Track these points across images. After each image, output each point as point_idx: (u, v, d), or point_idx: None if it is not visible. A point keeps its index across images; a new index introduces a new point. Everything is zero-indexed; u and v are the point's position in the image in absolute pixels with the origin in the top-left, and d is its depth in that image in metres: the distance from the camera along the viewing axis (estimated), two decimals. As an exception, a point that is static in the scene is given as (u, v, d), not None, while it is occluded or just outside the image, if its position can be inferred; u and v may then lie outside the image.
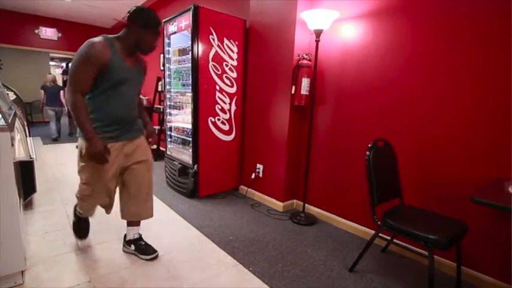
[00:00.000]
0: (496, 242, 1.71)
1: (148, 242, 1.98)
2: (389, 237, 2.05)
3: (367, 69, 2.25)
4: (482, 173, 1.71)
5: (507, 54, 1.60)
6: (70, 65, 1.48)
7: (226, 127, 3.07)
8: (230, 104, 3.06)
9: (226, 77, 2.98)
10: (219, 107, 2.98)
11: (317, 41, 2.37)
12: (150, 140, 1.87)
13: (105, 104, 1.57)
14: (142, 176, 1.80)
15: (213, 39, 2.82)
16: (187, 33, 2.88)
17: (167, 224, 2.45)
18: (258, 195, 3.06)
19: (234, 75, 3.03)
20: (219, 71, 2.91)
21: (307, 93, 2.55)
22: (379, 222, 1.72)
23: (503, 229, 1.67)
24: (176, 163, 3.24)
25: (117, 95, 1.57)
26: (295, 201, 2.92)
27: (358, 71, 2.31)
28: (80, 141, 1.62)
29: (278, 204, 2.84)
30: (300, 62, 2.52)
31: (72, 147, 5.29)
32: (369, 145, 1.77)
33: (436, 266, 1.89)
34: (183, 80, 3.16)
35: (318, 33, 2.34)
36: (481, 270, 1.78)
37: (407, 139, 2.05)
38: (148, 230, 2.12)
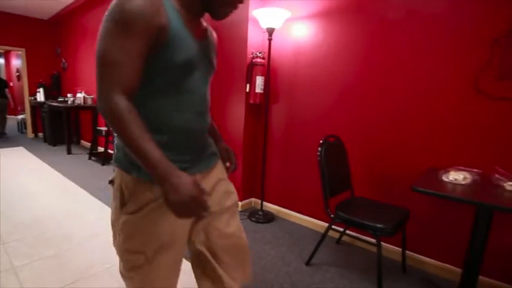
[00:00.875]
0: (434, 226, 1.91)
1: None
2: (342, 229, 2.17)
3: (319, 68, 2.35)
4: (421, 164, 1.89)
5: (432, 56, 1.80)
6: (97, 44, 0.74)
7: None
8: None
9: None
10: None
11: (270, 40, 2.41)
12: (229, 165, 1.14)
13: (166, 111, 0.84)
14: (236, 235, 1.05)
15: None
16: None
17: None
18: (215, 196, 3.03)
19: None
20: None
21: (262, 92, 2.59)
22: (332, 215, 1.81)
23: (440, 214, 1.87)
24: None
25: (184, 93, 0.85)
26: (253, 199, 2.95)
27: (310, 69, 2.41)
28: (121, 176, 0.88)
29: (236, 204, 2.84)
30: (253, 60, 2.55)
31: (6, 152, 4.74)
32: (321, 141, 1.85)
33: (385, 253, 2.06)
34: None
35: (271, 31, 2.38)
36: (424, 253, 1.97)
37: (357, 134, 2.19)
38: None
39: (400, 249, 1.98)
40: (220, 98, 2.86)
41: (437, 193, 1.38)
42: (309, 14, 2.37)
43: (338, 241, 2.27)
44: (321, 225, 2.44)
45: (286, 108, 2.60)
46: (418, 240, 1.97)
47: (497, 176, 1.42)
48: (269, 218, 2.64)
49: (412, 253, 1.98)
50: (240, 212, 2.79)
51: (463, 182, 1.42)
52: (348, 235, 2.23)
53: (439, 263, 1.90)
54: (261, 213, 2.66)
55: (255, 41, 2.62)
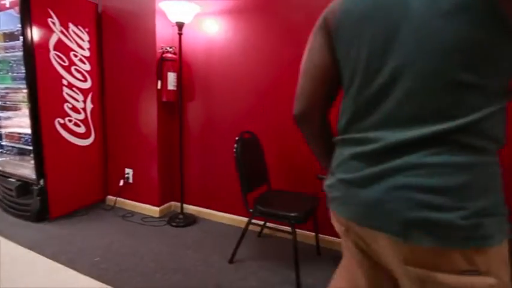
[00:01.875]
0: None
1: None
2: (262, 222, 2.27)
3: (233, 65, 2.39)
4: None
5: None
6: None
7: (81, 129, 2.66)
8: (84, 101, 2.67)
9: (76, 69, 2.57)
10: (69, 106, 2.56)
11: (180, 34, 2.35)
12: None
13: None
14: None
15: (54, 24, 2.38)
16: (15, 13, 2.33)
17: (4, 263, 1.94)
18: (129, 204, 2.82)
19: (87, 67, 2.66)
20: (65, 62, 2.49)
21: (175, 89, 2.51)
22: (251, 210, 1.88)
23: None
24: (13, 180, 2.60)
25: None
26: (172, 203, 2.84)
27: (223, 66, 2.43)
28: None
29: (154, 210, 2.69)
30: (164, 55, 2.44)
31: None
32: (236, 138, 1.90)
33: (301, 238, 2.22)
34: (13, 73, 2.55)
35: (180, 25, 2.32)
36: (333, 234, 2.21)
37: (270, 129, 2.30)
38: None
39: (313, 233, 2.17)
40: (130, 95, 2.66)
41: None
42: (219, 10, 2.38)
43: (259, 234, 2.37)
44: (243, 221, 2.49)
45: (202, 105, 2.57)
46: (328, 223, 2.19)
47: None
48: (190, 220, 2.58)
49: (324, 236, 2.21)
50: (158, 218, 2.65)
51: None
52: (269, 227, 2.34)
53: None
54: (181, 216, 2.58)
55: (164, 34, 2.51)
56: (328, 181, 0.77)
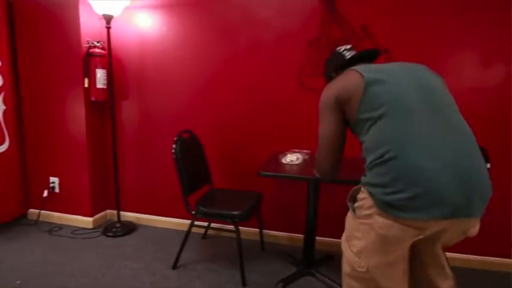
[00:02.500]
0: (281, 203, 2.24)
1: None
2: (206, 223, 2.25)
3: (167, 61, 2.31)
4: (266, 150, 2.14)
5: (269, 56, 2.10)
6: None
7: (-9, 135, 2.33)
8: (-6, 103, 2.33)
9: (-20, 66, 2.23)
10: (-26, 108, 2.21)
11: (108, 28, 2.18)
12: None
13: None
14: None
15: None
16: None
17: None
18: (57, 216, 2.54)
19: (-4, 64, 2.32)
20: (-35, 57, 2.14)
21: (105, 87, 2.33)
22: (193, 212, 1.84)
23: (285, 192, 2.22)
24: None
25: None
26: (108, 211, 2.64)
27: (158, 62, 2.33)
28: None
29: (86, 221, 2.47)
30: (90, 51, 2.25)
31: None
32: (175, 138, 1.84)
33: (246, 236, 2.25)
34: None
35: (108, 19, 2.15)
36: (277, 229, 2.29)
37: (210, 128, 2.28)
38: None
39: (257, 229, 2.22)
40: (52, 95, 2.39)
41: (278, 174, 1.63)
42: (152, 4, 2.28)
43: (204, 236, 2.34)
44: (186, 224, 2.42)
45: (137, 104, 2.44)
46: (272, 218, 2.27)
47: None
48: (129, 228, 2.43)
49: (268, 231, 2.27)
50: (92, 229, 2.44)
51: (296, 162, 1.72)
52: (213, 228, 2.32)
53: (288, 234, 2.26)
54: (118, 225, 2.41)
55: (90, 28, 2.32)
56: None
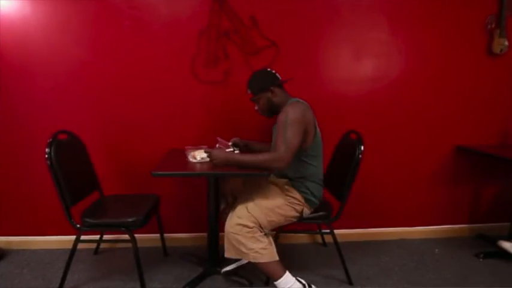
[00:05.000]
0: (182, 203, 2.23)
1: None
2: (98, 236, 2.05)
3: (35, 48, 2.00)
4: (162, 148, 2.06)
5: (155, 45, 2.04)
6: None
7: None
8: None
9: None
10: None
11: None
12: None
13: None
14: None
15: None
16: None
17: None
18: None
19: None
20: None
21: None
22: (78, 225, 1.66)
23: (185, 191, 2.22)
24: None
25: None
26: (-38, 240, 2.15)
27: (23, 49, 1.99)
28: None
29: None
30: None
31: None
32: (49, 140, 1.62)
33: (146, 243, 2.13)
34: None
35: None
36: (179, 230, 2.26)
37: (96, 127, 2.09)
38: None
39: (157, 234, 2.13)
40: None
41: (172, 173, 1.61)
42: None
43: (96, 252, 2.13)
44: (72, 240, 2.17)
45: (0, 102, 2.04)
46: (172, 220, 2.22)
47: (218, 145, 1.82)
48: (-6, 256, 2.03)
49: (170, 234, 2.21)
50: None
51: (208, 160, 1.67)
52: (107, 241, 2.14)
53: (192, 234, 2.27)
54: (-24, 255, 1.99)
55: None
56: None
